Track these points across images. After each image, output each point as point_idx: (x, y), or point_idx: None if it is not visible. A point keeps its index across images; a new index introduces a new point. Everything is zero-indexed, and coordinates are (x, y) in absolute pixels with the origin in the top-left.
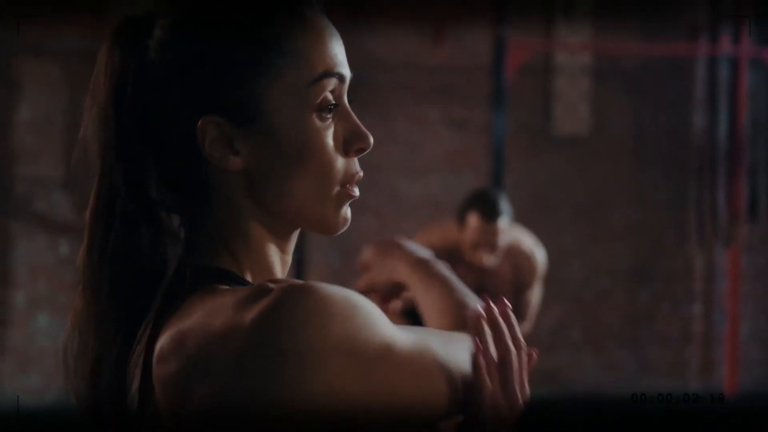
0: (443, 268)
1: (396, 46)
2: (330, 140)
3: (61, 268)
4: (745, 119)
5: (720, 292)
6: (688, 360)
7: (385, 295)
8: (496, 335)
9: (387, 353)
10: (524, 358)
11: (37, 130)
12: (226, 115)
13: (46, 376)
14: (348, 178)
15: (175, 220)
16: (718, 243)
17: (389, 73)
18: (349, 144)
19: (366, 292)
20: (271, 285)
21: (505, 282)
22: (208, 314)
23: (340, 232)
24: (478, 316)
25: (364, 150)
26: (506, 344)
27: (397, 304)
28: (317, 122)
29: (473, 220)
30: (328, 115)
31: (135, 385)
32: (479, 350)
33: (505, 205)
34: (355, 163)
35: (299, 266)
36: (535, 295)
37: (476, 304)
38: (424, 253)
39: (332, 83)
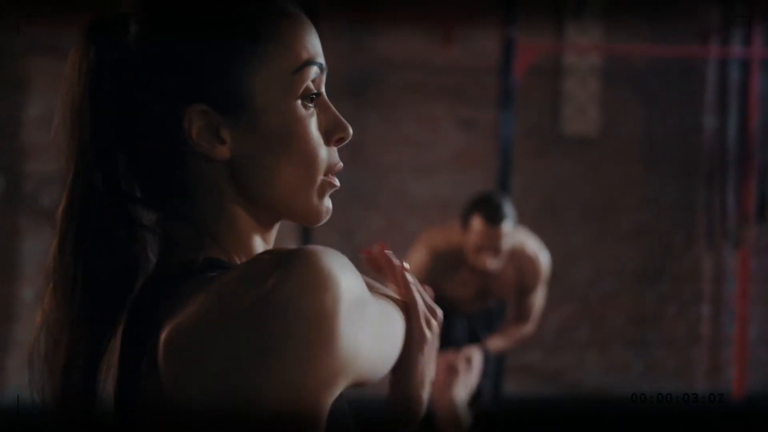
0: None
1: (405, 46)
2: (314, 129)
3: None
4: (755, 122)
5: (728, 294)
6: (695, 362)
7: None
8: (390, 270)
9: (378, 311)
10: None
11: (45, 127)
12: (212, 103)
13: None
14: (330, 168)
15: (151, 216)
16: (727, 245)
17: (398, 73)
18: (330, 134)
19: None
20: (268, 257)
21: (508, 285)
22: (215, 301)
23: (321, 223)
24: (377, 255)
25: (344, 140)
26: (404, 276)
27: None
28: (302, 110)
29: (477, 223)
30: (310, 104)
31: (111, 383)
32: (403, 281)
33: (508, 209)
34: (336, 153)
35: None
36: (539, 297)
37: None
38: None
39: (314, 72)
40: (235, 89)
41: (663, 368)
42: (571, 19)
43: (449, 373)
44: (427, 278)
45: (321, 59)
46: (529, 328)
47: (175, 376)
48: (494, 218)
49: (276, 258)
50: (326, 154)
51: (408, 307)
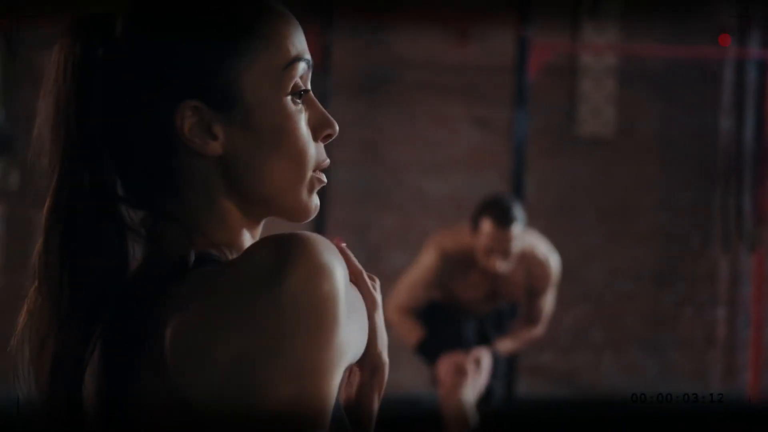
0: None
1: (420, 45)
2: (304, 125)
3: None
4: None
5: (744, 297)
6: (711, 364)
7: None
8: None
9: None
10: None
11: None
12: (204, 99)
13: None
14: (318, 164)
15: (138, 214)
16: (743, 247)
17: (413, 71)
18: (318, 130)
19: None
20: (267, 249)
21: (518, 287)
22: (222, 295)
23: (309, 220)
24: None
25: (331, 136)
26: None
27: None
28: (292, 106)
29: (486, 226)
30: (299, 100)
31: (94, 381)
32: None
33: (518, 212)
34: (323, 150)
35: None
36: (549, 300)
37: None
38: None
39: (302, 68)
40: (227, 85)
41: (678, 371)
42: (588, 19)
43: (458, 374)
44: (437, 280)
45: (308, 56)
46: (538, 330)
47: (186, 372)
48: (504, 221)
49: (275, 249)
50: (314, 150)
51: (356, 278)
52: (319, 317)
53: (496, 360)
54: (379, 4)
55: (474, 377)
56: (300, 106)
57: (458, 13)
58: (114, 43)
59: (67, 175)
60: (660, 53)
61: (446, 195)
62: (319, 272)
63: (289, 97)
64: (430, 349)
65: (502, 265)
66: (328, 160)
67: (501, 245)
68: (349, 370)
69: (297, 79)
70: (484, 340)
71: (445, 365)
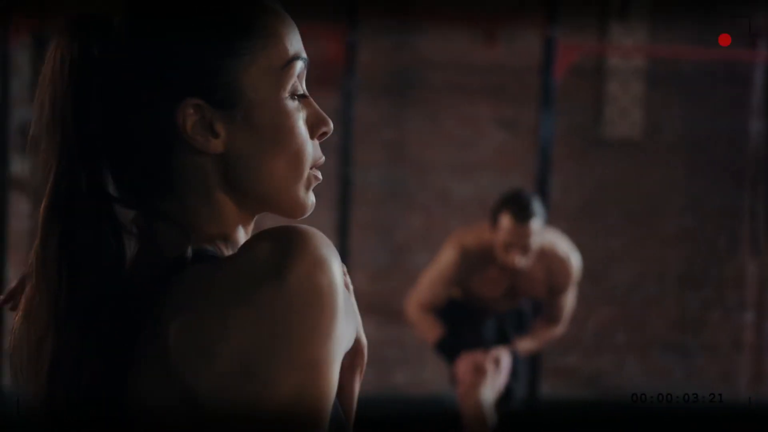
0: None
1: (447, 45)
2: (302, 122)
3: None
4: None
5: None
6: (738, 369)
7: None
8: None
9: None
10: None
11: None
12: (206, 97)
13: None
14: (315, 161)
15: (135, 212)
16: None
17: (440, 72)
18: (314, 128)
19: None
20: (267, 244)
21: (538, 284)
22: (226, 291)
23: (305, 216)
24: None
25: (326, 134)
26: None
27: None
28: (290, 105)
29: (505, 220)
30: (297, 99)
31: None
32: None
33: (537, 207)
34: (318, 147)
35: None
36: (570, 299)
37: None
38: None
39: (300, 67)
40: (228, 84)
41: (704, 375)
42: (615, 20)
43: (477, 373)
44: (457, 277)
45: (305, 54)
46: (559, 329)
47: (192, 368)
48: (523, 216)
49: (275, 243)
50: (312, 148)
51: None
52: (320, 309)
53: (516, 360)
54: (406, 4)
55: (493, 377)
56: (298, 104)
57: (485, 13)
58: (111, 43)
59: (64, 175)
60: (689, 56)
61: (471, 196)
62: (319, 265)
63: (287, 96)
64: (449, 348)
65: (521, 261)
66: (323, 158)
67: (520, 240)
68: None
69: (295, 78)
70: (504, 339)
71: (463, 364)
